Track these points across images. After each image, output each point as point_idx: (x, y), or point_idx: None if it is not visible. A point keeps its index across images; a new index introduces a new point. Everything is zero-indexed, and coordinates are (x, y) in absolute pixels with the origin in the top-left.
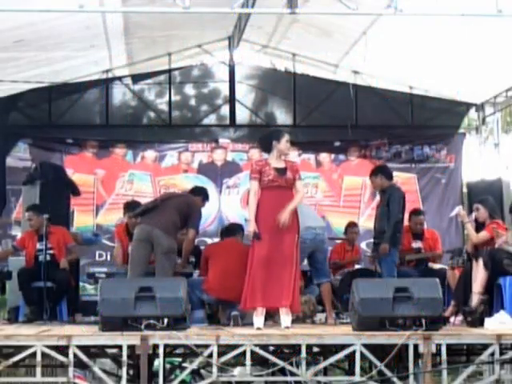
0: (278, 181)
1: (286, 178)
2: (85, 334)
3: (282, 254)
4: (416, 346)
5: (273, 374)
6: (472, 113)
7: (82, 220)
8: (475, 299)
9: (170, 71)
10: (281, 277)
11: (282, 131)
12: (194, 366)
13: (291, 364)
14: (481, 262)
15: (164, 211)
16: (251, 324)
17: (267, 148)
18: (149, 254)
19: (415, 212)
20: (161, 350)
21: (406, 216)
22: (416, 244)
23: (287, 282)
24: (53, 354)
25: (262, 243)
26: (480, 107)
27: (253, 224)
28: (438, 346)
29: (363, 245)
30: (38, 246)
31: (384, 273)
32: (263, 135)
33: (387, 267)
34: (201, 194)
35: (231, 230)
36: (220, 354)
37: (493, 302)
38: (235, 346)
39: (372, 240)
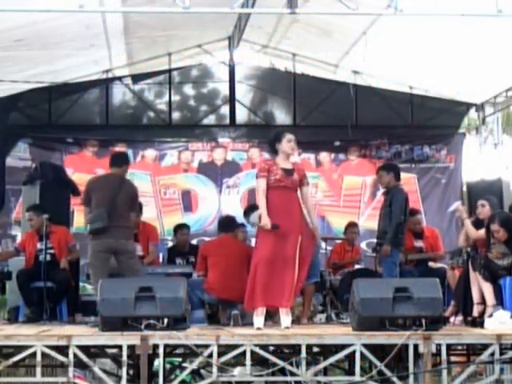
0: (285, 181)
1: (293, 179)
2: (85, 334)
3: (286, 254)
4: (416, 346)
5: (273, 374)
6: (472, 113)
7: (82, 219)
8: (477, 309)
9: (169, 71)
10: (283, 277)
11: (282, 132)
12: (194, 366)
13: (291, 364)
14: (479, 276)
15: (119, 218)
16: (251, 324)
17: (274, 150)
18: (109, 262)
19: (411, 213)
20: (161, 350)
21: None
22: (418, 243)
23: (289, 282)
24: (53, 354)
25: (267, 243)
26: (480, 107)
27: (266, 217)
28: (438, 345)
29: (363, 245)
30: (39, 245)
31: (384, 274)
32: (270, 138)
33: (388, 268)
34: (122, 163)
35: (229, 225)
36: (220, 354)
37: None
38: (235, 346)
39: (372, 240)
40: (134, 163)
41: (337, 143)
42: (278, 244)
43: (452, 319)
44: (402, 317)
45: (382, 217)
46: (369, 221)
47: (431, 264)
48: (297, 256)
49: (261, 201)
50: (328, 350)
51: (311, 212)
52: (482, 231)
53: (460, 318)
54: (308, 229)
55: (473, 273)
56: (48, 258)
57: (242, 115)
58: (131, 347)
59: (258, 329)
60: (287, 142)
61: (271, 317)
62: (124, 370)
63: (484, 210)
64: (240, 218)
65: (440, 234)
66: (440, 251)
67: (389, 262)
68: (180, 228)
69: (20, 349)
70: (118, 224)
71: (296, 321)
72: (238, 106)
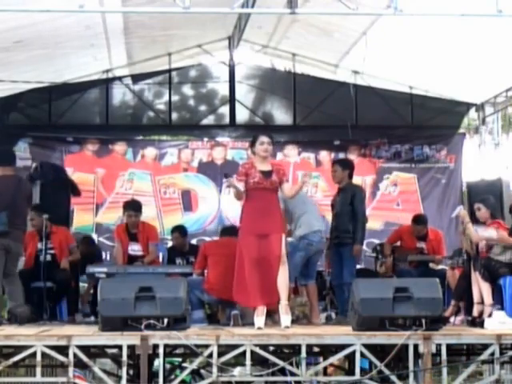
0: (263, 183)
1: (271, 180)
2: (85, 334)
3: (271, 254)
4: (416, 346)
5: (273, 374)
6: (472, 113)
7: (82, 219)
8: (477, 309)
9: (169, 71)
10: (273, 277)
11: (258, 135)
12: (194, 365)
13: (291, 364)
14: (479, 275)
15: (18, 220)
16: (251, 324)
17: (253, 152)
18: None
19: (417, 221)
20: (161, 350)
21: (409, 219)
22: (420, 244)
23: (280, 281)
24: (53, 354)
25: (251, 245)
26: (480, 107)
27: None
28: (438, 346)
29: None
30: (40, 245)
31: (347, 273)
32: (250, 140)
33: (351, 267)
34: (7, 159)
35: (231, 232)
36: (220, 354)
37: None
38: (235, 346)
39: (372, 240)
40: (134, 162)
41: (336, 142)
42: (262, 244)
43: (452, 319)
44: (402, 317)
45: (340, 215)
46: (369, 221)
47: (432, 265)
48: (284, 254)
49: (237, 191)
50: (328, 350)
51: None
52: (484, 235)
53: (460, 317)
54: None
55: (474, 273)
56: (48, 258)
57: (241, 115)
58: (131, 347)
59: (259, 328)
60: (260, 145)
61: (271, 317)
62: (124, 370)
63: (481, 212)
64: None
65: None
66: (442, 254)
67: (353, 261)
68: (172, 232)
69: (20, 349)
70: (17, 226)
71: (296, 321)
72: (237, 106)
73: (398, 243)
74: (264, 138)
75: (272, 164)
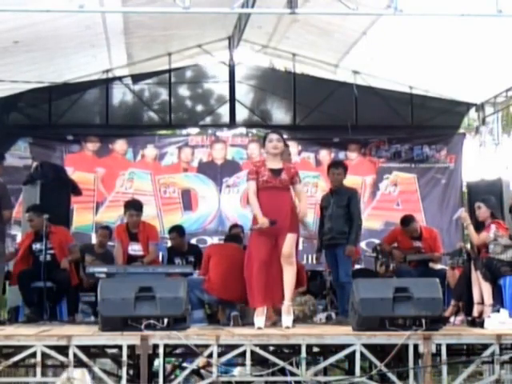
0: (273, 181)
1: (281, 178)
2: (85, 334)
3: (280, 254)
4: (416, 346)
5: (273, 374)
6: (472, 113)
7: (82, 218)
8: (477, 309)
9: (169, 71)
10: (281, 277)
11: (267, 132)
12: (194, 365)
13: (291, 364)
14: (480, 275)
15: None
16: (251, 324)
17: (266, 152)
18: None
19: (404, 223)
20: (161, 350)
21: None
22: (416, 243)
23: (288, 281)
24: (53, 354)
25: (260, 245)
26: (480, 107)
27: (261, 216)
28: (438, 345)
29: (363, 245)
30: (39, 246)
31: (342, 272)
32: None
33: (346, 265)
34: None
35: (235, 239)
36: (220, 354)
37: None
38: (235, 346)
39: (372, 240)
40: (134, 162)
41: (336, 140)
42: (271, 245)
43: (452, 319)
44: (402, 317)
45: (336, 217)
46: (369, 221)
47: (432, 265)
48: (292, 254)
49: (253, 202)
50: (328, 350)
51: (302, 202)
52: (483, 235)
53: (460, 317)
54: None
55: (474, 272)
56: (48, 258)
57: (241, 115)
58: (131, 347)
59: (259, 328)
60: (269, 142)
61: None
62: (124, 370)
63: (481, 211)
64: (240, 218)
65: (440, 233)
66: (439, 252)
67: (347, 260)
68: (170, 232)
69: (20, 349)
70: None
71: (295, 321)
72: (237, 106)
73: (395, 244)
74: (272, 136)
75: (283, 162)
